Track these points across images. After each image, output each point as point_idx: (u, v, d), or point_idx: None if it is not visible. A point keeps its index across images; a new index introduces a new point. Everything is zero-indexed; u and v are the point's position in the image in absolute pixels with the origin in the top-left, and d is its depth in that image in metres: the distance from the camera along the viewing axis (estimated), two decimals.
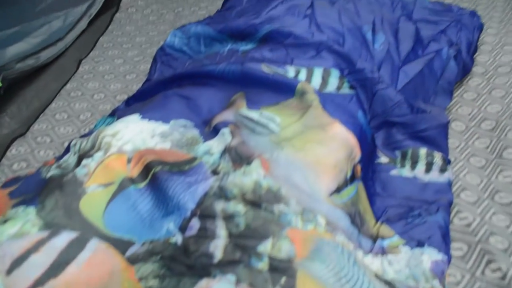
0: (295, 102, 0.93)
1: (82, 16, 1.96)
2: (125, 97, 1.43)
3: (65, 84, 1.54)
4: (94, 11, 2.02)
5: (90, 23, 1.96)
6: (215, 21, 1.29)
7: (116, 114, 1.14)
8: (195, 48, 1.25)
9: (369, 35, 1.18)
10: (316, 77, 1.01)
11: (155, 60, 1.31)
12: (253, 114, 0.90)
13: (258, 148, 0.83)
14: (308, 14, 1.20)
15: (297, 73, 1.02)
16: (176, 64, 1.25)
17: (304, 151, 0.81)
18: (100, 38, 1.87)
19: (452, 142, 1.14)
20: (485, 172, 1.05)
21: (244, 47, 1.15)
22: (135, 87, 1.47)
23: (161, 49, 1.31)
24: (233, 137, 0.86)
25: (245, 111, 0.92)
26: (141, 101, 1.12)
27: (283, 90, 0.95)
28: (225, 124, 0.90)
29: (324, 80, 1.01)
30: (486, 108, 1.25)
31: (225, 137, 0.87)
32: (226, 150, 0.84)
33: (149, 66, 1.57)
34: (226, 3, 1.53)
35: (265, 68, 1.01)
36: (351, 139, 0.86)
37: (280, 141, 0.84)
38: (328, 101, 0.93)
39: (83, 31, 1.90)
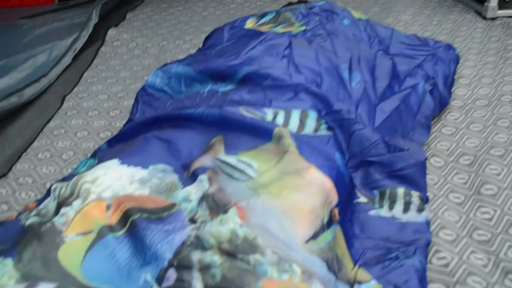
0: (272, 146, 0.94)
1: (67, 51, 1.98)
2: (109, 134, 1.44)
3: (48, 121, 1.54)
4: (79, 45, 2.04)
5: (75, 57, 1.98)
6: (195, 60, 1.31)
7: (97, 155, 1.14)
8: (176, 88, 1.26)
9: (345, 74, 1.20)
10: (294, 120, 1.03)
11: (136, 100, 1.32)
12: (231, 160, 0.91)
13: (235, 195, 0.84)
14: (286, 55, 1.22)
15: (275, 115, 1.04)
16: (157, 104, 1.26)
17: (280, 198, 0.82)
18: (85, 73, 1.89)
19: (431, 178, 1.15)
20: (464, 209, 1.06)
21: (224, 88, 1.17)
22: (119, 124, 1.48)
23: (143, 89, 1.32)
24: (210, 184, 0.87)
25: (223, 156, 0.93)
26: (122, 142, 1.13)
27: (261, 134, 0.96)
28: (203, 169, 0.91)
29: (302, 122, 1.03)
30: (464, 142, 1.28)
31: (203, 184, 0.88)
32: (204, 198, 0.85)
33: (132, 102, 1.58)
34: (208, 41, 1.55)
35: (244, 111, 1.02)
36: (327, 184, 0.87)
37: (257, 188, 0.85)
38: (304, 145, 0.94)
39: (67, 66, 1.91)
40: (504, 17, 2.22)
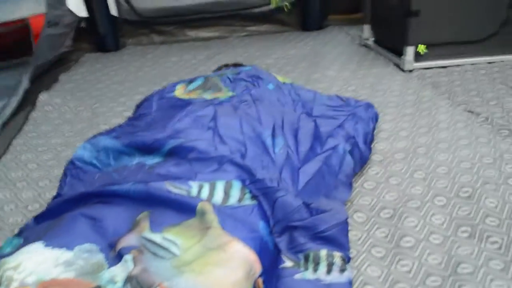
0: (196, 222, 0.97)
1: None
2: (37, 206, 1.41)
3: None
4: (8, 111, 2.01)
5: (4, 124, 1.94)
6: (123, 132, 1.33)
7: (23, 234, 1.12)
8: (104, 161, 1.28)
9: (269, 141, 1.27)
10: (218, 191, 1.07)
11: (65, 174, 1.32)
12: (156, 238, 0.93)
13: (159, 275, 0.85)
14: (211, 126, 1.28)
15: (200, 188, 1.07)
16: (86, 177, 1.26)
17: (203, 274, 0.84)
18: (14, 141, 1.85)
19: (354, 234, 1.21)
20: (385, 263, 1.12)
21: (151, 161, 1.20)
22: (48, 195, 1.46)
23: (71, 162, 1.32)
24: (135, 264, 0.88)
25: (148, 234, 0.94)
26: (49, 219, 1.11)
27: (185, 209, 0.99)
28: (128, 249, 0.92)
29: (226, 194, 1.07)
30: (384, 196, 1.36)
31: (127, 264, 0.88)
32: (128, 279, 0.85)
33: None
34: (138, 110, 1.59)
35: (169, 186, 1.05)
36: (250, 256, 0.90)
37: (180, 266, 0.87)
38: (227, 218, 0.97)
39: None
40: (420, 69, 2.42)
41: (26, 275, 0.88)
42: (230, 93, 1.51)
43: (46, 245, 0.94)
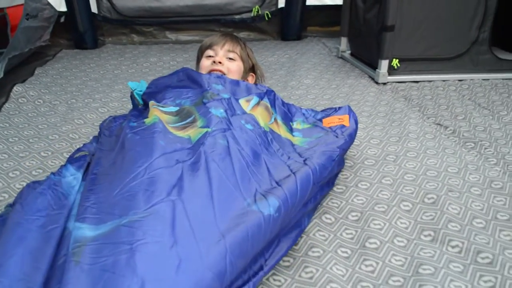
0: None
1: None
2: (6, 196, 1.39)
3: None
4: None
5: None
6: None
7: None
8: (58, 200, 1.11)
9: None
10: None
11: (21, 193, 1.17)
12: None
13: None
14: (173, 199, 0.97)
15: None
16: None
17: None
18: None
19: (322, 234, 1.24)
20: (350, 263, 1.15)
21: (84, 232, 0.92)
22: (18, 185, 1.44)
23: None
24: None
25: None
26: None
27: None
28: None
29: None
30: (353, 200, 1.39)
31: None
32: None
33: (34, 163, 1.55)
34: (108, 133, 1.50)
35: None
36: None
37: None
38: None
39: None
40: (393, 82, 2.49)
41: None
42: (204, 130, 1.28)
43: None
